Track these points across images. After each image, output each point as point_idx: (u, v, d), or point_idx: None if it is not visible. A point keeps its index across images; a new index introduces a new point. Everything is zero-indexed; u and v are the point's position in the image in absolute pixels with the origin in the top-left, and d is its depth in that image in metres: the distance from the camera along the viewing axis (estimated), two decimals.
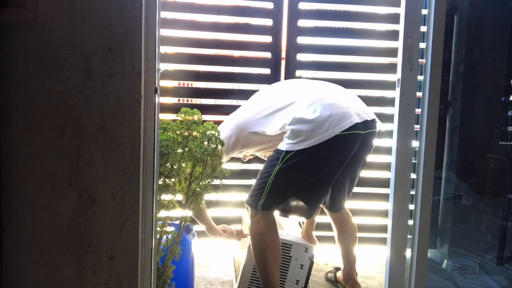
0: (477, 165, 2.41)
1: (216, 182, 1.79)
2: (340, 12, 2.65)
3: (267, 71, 2.65)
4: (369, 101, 2.79)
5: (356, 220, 2.16)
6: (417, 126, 1.36)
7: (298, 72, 2.65)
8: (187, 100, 3.09)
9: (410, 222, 1.37)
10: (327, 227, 2.67)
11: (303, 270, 1.91)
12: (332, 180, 1.77)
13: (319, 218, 2.50)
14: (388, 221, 1.39)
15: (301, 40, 2.65)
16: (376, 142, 2.72)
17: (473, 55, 2.33)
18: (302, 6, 2.60)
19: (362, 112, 1.77)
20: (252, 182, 2.74)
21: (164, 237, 1.72)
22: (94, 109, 1.17)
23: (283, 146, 1.74)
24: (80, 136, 1.17)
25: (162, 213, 1.71)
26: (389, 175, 1.43)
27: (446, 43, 1.34)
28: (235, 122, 1.95)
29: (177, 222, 1.78)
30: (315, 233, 2.50)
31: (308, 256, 1.91)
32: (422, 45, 1.34)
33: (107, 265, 1.20)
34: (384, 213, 2.69)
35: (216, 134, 1.80)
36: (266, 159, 1.99)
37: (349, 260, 2.08)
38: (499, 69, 2.35)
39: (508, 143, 2.34)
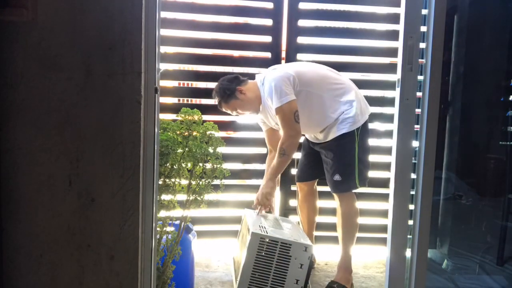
0: (477, 165, 2.41)
1: (216, 182, 1.79)
2: (340, 12, 2.65)
3: None
4: (369, 101, 2.79)
5: None
6: (417, 126, 1.36)
7: None
8: (187, 100, 3.09)
9: (410, 222, 1.37)
10: (327, 227, 2.67)
11: (303, 270, 1.91)
12: None
13: (319, 218, 2.51)
14: (388, 221, 1.39)
15: (301, 40, 2.64)
16: (376, 142, 2.74)
17: (473, 55, 2.32)
18: (302, 6, 2.60)
19: None
20: (252, 182, 2.76)
21: (164, 237, 1.72)
22: (94, 109, 1.17)
23: (352, 126, 2.11)
24: (80, 136, 1.17)
25: (162, 213, 1.71)
26: (389, 175, 1.43)
27: (446, 43, 1.34)
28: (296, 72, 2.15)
29: (177, 222, 1.78)
30: (315, 233, 2.51)
31: (307, 256, 1.90)
32: (422, 45, 1.34)
33: (107, 265, 1.20)
34: (384, 213, 2.69)
35: (216, 134, 1.80)
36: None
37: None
38: (499, 69, 2.35)
39: (508, 143, 2.34)
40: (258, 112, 2.28)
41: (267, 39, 2.61)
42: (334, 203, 2.58)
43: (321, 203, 2.49)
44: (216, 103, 2.28)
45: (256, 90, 2.21)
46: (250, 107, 2.24)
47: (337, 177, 2.13)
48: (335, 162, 2.15)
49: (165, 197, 1.71)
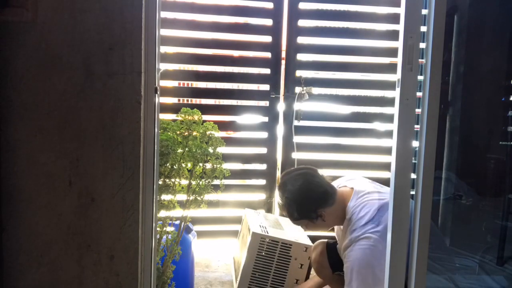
0: (477, 165, 2.41)
1: (216, 182, 1.79)
2: (340, 12, 2.65)
3: (267, 71, 2.65)
4: (369, 101, 2.80)
5: None
6: (417, 126, 1.36)
7: (298, 72, 2.65)
8: (187, 100, 3.09)
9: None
10: None
11: (303, 270, 1.91)
12: None
13: None
14: (388, 221, 1.39)
15: (301, 40, 2.65)
16: (376, 142, 2.74)
17: (473, 55, 2.33)
18: (302, 6, 2.60)
19: None
20: (252, 182, 2.76)
21: (164, 237, 1.72)
22: (94, 109, 1.17)
23: None
24: (80, 136, 1.17)
25: (162, 213, 1.71)
26: (389, 175, 1.43)
27: (446, 43, 1.34)
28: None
29: (177, 222, 1.78)
30: (311, 233, 2.49)
31: (307, 256, 1.91)
32: (422, 45, 1.34)
33: (107, 265, 1.20)
34: None
35: (216, 134, 1.80)
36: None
37: None
38: (499, 69, 2.35)
39: (508, 143, 2.34)
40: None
41: (267, 39, 2.61)
42: None
43: None
44: (280, 202, 1.71)
45: (340, 215, 1.66)
46: (318, 230, 1.79)
47: None
48: None
49: (165, 197, 1.71)
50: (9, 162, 1.15)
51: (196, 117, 1.79)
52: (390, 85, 2.71)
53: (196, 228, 2.23)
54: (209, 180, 1.78)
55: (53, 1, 1.13)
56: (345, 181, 1.80)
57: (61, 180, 1.17)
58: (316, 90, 2.66)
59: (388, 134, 2.68)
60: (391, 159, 1.42)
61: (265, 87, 2.66)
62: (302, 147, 2.68)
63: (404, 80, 1.31)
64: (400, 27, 1.35)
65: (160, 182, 1.68)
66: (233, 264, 2.26)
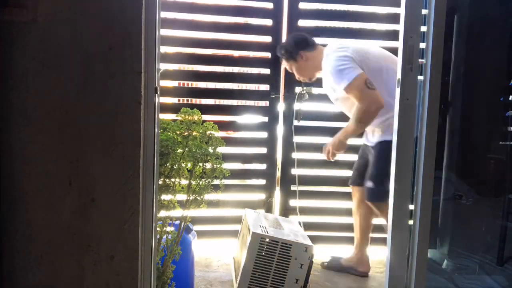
0: (477, 165, 2.41)
1: (216, 182, 1.79)
2: (340, 12, 2.65)
3: (267, 71, 2.65)
4: None
5: None
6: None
7: None
8: (187, 100, 3.09)
9: (410, 222, 1.37)
10: (326, 227, 2.67)
11: (303, 270, 1.91)
12: None
13: (315, 218, 2.51)
14: (388, 221, 1.39)
15: None
16: None
17: (473, 55, 2.32)
18: (302, 6, 2.60)
19: None
20: (252, 182, 2.76)
21: (164, 237, 1.72)
22: (94, 109, 1.17)
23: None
24: (80, 136, 1.17)
25: (162, 213, 1.71)
26: None
27: (446, 43, 1.34)
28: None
29: (177, 222, 1.78)
30: (311, 233, 2.49)
31: (307, 256, 1.91)
32: (422, 45, 1.34)
33: (107, 265, 1.20)
34: None
35: (215, 134, 1.80)
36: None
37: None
38: (499, 69, 2.35)
39: (508, 143, 2.34)
40: (313, 79, 2.35)
41: (267, 39, 2.61)
42: (337, 203, 2.60)
43: (323, 203, 2.49)
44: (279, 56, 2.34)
45: (319, 60, 2.20)
46: (305, 74, 2.31)
47: (369, 184, 2.11)
48: (371, 168, 2.13)
49: (165, 197, 1.71)
50: (9, 162, 1.15)
51: (196, 117, 1.79)
52: None
53: (196, 228, 2.22)
54: (209, 180, 1.77)
55: (53, 1, 1.13)
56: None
57: (61, 180, 1.17)
58: (316, 90, 2.66)
59: None
60: (391, 159, 1.42)
61: (265, 87, 2.67)
62: (302, 147, 2.68)
63: (404, 80, 1.31)
64: (400, 27, 1.35)
65: (160, 182, 1.68)
66: (233, 264, 2.26)
